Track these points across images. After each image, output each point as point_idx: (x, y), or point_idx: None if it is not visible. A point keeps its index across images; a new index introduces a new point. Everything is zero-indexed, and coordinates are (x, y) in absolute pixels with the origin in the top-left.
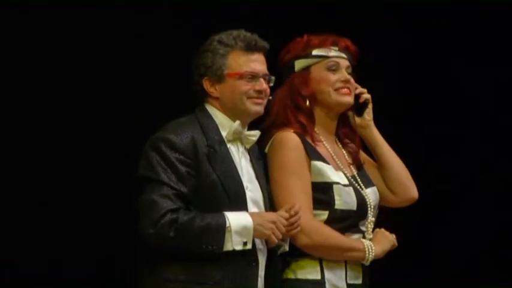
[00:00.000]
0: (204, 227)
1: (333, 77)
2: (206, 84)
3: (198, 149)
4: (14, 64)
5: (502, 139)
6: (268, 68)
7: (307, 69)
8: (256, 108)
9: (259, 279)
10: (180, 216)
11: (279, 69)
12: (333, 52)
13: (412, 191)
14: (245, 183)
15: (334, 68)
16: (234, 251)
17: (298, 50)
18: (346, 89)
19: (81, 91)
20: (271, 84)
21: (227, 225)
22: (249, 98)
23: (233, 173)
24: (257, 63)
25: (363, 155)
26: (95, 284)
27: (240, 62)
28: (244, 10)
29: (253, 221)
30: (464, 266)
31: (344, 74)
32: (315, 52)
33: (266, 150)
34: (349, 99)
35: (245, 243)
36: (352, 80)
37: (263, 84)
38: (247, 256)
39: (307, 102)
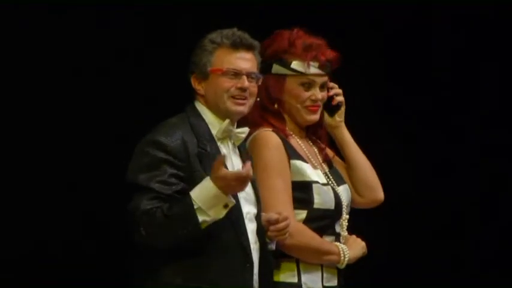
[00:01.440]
0: (177, 214)
1: (305, 94)
2: (194, 82)
3: (189, 151)
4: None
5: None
6: None
7: (283, 76)
8: (237, 108)
9: (254, 277)
10: (156, 213)
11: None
12: (312, 69)
13: (378, 194)
14: None
15: (308, 86)
16: (227, 251)
17: (279, 50)
18: (314, 107)
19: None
20: (259, 83)
21: (191, 201)
22: (231, 96)
23: None
24: (242, 60)
25: (330, 152)
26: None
27: (224, 59)
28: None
29: (215, 185)
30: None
31: (316, 92)
32: (294, 65)
33: (242, 148)
34: (314, 117)
35: (225, 206)
36: (323, 97)
37: (245, 82)
38: (242, 257)
39: (276, 105)
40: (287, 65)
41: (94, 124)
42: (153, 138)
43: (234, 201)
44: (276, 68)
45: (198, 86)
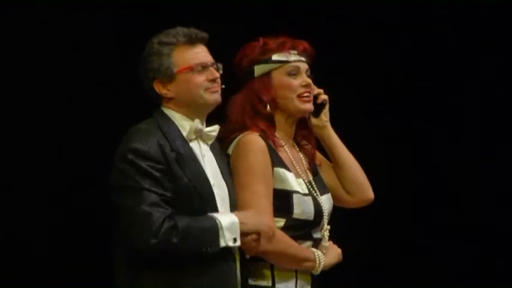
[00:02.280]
0: (201, 229)
1: (294, 82)
2: (158, 87)
3: (166, 155)
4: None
5: None
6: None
7: (267, 74)
8: (215, 96)
9: (237, 277)
10: (177, 221)
11: (235, 74)
12: (293, 56)
13: (368, 192)
14: (212, 181)
15: (294, 73)
16: (213, 253)
17: (256, 55)
18: (307, 94)
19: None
20: (221, 72)
21: (218, 223)
22: (206, 89)
23: (200, 172)
24: (203, 53)
25: (319, 156)
26: None
27: (186, 57)
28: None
29: (237, 217)
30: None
31: (305, 78)
32: (275, 57)
33: (230, 151)
34: (310, 106)
35: (235, 240)
36: (312, 84)
37: (215, 73)
38: (226, 256)
39: (268, 108)
40: (269, 61)
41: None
42: (130, 147)
43: (239, 243)
44: (258, 69)
45: (163, 90)
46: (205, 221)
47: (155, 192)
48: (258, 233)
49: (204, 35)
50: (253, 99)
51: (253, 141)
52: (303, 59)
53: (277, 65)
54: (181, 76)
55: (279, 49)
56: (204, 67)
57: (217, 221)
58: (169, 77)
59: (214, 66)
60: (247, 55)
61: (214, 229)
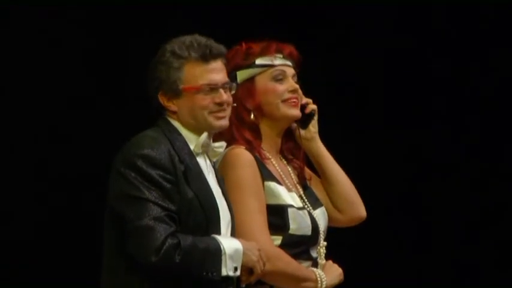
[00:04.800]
0: (204, 251)
1: (280, 87)
2: (162, 99)
3: (176, 165)
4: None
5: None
6: None
7: (251, 79)
8: (220, 122)
9: None
10: (181, 240)
11: None
12: (278, 60)
13: (360, 209)
14: (217, 201)
15: (280, 78)
16: (212, 280)
17: (239, 60)
18: (294, 100)
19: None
20: (233, 92)
21: (222, 249)
22: (211, 112)
23: (207, 189)
24: (214, 72)
25: (307, 171)
26: None
27: (196, 74)
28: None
29: (242, 245)
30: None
31: (291, 83)
32: (258, 61)
33: (216, 167)
34: (297, 112)
35: (235, 269)
36: (299, 90)
37: (223, 96)
38: (224, 279)
39: (252, 116)
40: (252, 65)
41: None
42: (139, 152)
43: (239, 273)
44: (241, 75)
45: (168, 103)
46: (209, 243)
47: (161, 206)
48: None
49: (221, 49)
50: (237, 107)
51: (241, 155)
52: (288, 63)
53: (261, 69)
54: (187, 94)
55: (263, 53)
56: (212, 88)
57: (221, 246)
58: (174, 93)
59: (227, 86)
60: (229, 61)
61: (218, 254)
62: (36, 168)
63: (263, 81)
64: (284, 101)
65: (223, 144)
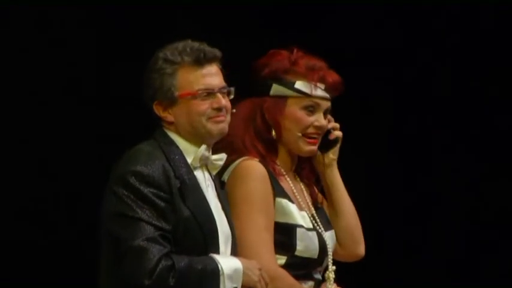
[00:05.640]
0: (200, 273)
1: (307, 119)
2: (158, 109)
3: (171, 182)
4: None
5: None
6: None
7: (284, 98)
8: (219, 127)
9: None
10: (175, 261)
11: (250, 76)
12: (318, 91)
13: (360, 248)
14: (215, 216)
15: (311, 110)
16: None
17: (280, 70)
18: (314, 136)
19: None
20: (232, 97)
21: (220, 269)
22: (209, 118)
23: (205, 205)
24: (210, 77)
25: (319, 195)
26: None
27: (191, 79)
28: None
29: (242, 264)
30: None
31: (320, 118)
32: (298, 85)
33: (224, 178)
34: (313, 149)
35: None
36: (325, 125)
37: (221, 101)
38: None
39: (273, 133)
40: (290, 86)
41: None
42: (132, 169)
43: None
44: (276, 89)
45: (164, 114)
46: (206, 264)
47: (155, 225)
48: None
49: (216, 53)
50: (258, 118)
51: (253, 167)
52: (327, 95)
53: (298, 94)
54: (183, 101)
55: (306, 77)
56: (209, 93)
57: (219, 266)
58: (169, 100)
59: (224, 90)
60: (270, 65)
61: (216, 275)
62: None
63: (295, 107)
64: (304, 135)
65: (223, 156)
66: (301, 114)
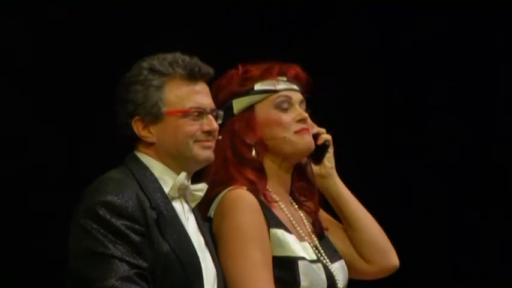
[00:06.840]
0: None
1: (285, 117)
2: (137, 126)
3: (146, 213)
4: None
5: None
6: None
7: (250, 109)
8: (207, 153)
9: None
10: None
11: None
12: (282, 84)
13: (392, 257)
14: (199, 254)
15: (285, 106)
16: None
17: (234, 86)
18: (305, 129)
19: None
20: (220, 122)
21: None
22: (196, 141)
23: (186, 240)
24: (203, 95)
25: (324, 216)
26: None
27: (181, 95)
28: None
29: None
30: None
31: (299, 110)
32: (258, 86)
33: (211, 213)
34: (311, 142)
35: None
36: (309, 119)
37: (213, 123)
38: None
39: (254, 153)
40: (250, 92)
41: None
42: (102, 199)
43: None
44: (238, 104)
45: (143, 132)
46: None
47: (129, 263)
48: None
49: (210, 70)
50: (235, 142)
51: (241, 197)
52: (295, 87)
53: (261, 96)
54: (170, 119)
55: (263, 76)
56: (200, 113)
57: None
58: (154, 117)
59: (214, 113)
60: (223, 87)
61: None
62: None
63: (265, 111)
64: (294, 133)
65: (203, 187)
66: (275, 113)
